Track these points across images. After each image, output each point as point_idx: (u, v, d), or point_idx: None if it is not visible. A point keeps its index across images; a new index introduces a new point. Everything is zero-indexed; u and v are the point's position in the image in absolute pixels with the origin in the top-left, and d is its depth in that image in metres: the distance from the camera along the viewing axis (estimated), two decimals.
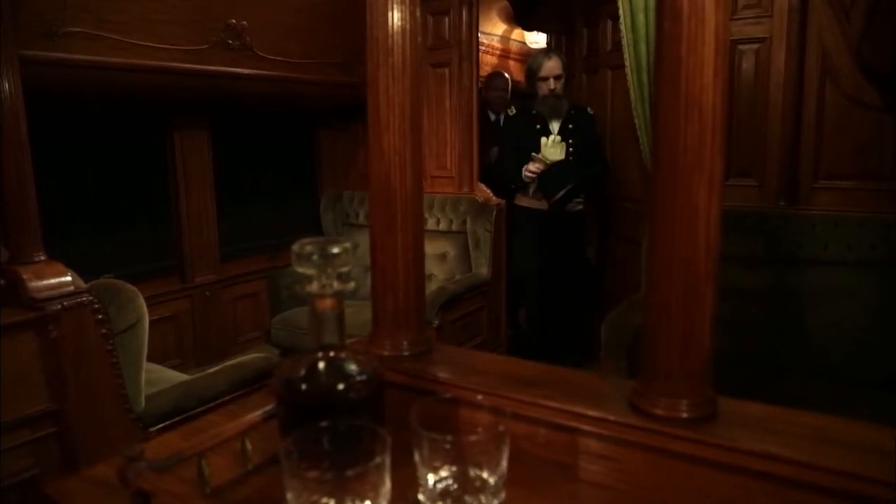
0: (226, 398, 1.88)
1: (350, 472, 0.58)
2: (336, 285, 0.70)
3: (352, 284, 0.71)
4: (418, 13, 0.82)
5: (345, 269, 0.70)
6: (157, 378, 2.03)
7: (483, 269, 3.11)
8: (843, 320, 2.22)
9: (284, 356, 2.62)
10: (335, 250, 0.68)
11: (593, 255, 3.46)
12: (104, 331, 1.63)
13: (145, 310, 1.75)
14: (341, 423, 0.65)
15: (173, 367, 2.48)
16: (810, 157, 2.36)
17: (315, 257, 0.68)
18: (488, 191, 3.22)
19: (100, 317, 1.62)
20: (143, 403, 1.75)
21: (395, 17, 0.80)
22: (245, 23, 2.58)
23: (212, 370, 1.95)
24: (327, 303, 0.71)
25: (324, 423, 0.64)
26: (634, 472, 0.72)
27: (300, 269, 0.70)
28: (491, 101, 3.94)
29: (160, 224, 2.92)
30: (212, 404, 1.84)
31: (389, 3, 0.79)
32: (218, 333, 3.06)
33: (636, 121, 2.74)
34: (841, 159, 2.32)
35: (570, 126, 3.03)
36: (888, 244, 2.18)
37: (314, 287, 0.70)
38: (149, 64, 2.31)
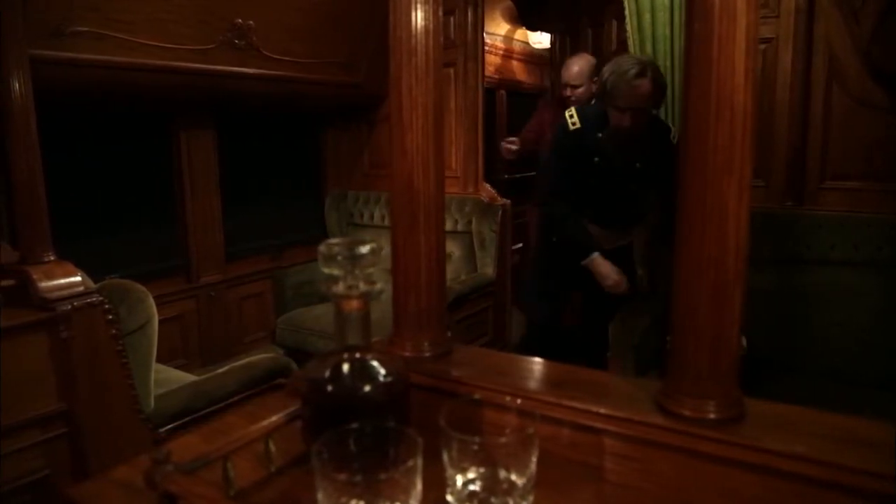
0: (235, 398, 1.88)
1: (383, 476, 0.57)
2: (362, 286, 0.70)
3: (378, 285, 0.71)
4: (441, 13, 0.82)
5: (371, 270, 0.70)
6: (164, 378, 2.02)
7: (488, 270, 3.11)
8: (849, 321, 2.22)
9: (290, 356, 2.62)
10: (363, 250, 0.68)
11: (645, 281, 2.66)
12: (114, 331, 1.63)
13: (155, 310, 1.75)
14: (371, 424, 0.64)
15: (178, 368, 2.48)
16: (817, 158, 2.36)
17: (342, 258, 0.68)
18: (493, 191, 3.22)
19: (110, 317, 1.62)
20: (152, 404, 1.75)
21: (419, 17, 0.79)
22: (251, 22, 2.57)
23: (221, 370, 1.95)
24: (353, 304, 0.71)
25: (354, 425, 0.64)
26: (661, 472, 0.71)
27: (326, 270, 0.70)
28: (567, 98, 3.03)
29: (165, 224, 2.91)
30: (221, 405, 1.84)
31: (413, 2, 0.79)
32: (223, 333, 3.06)
33: None
34: (848, 160, 2.32)
35: (638, 165, 2.25)
36: (894, 245, 2.18)
37: (340, 288, 0.70)
38: (155, 63, 2.31)
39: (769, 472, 0.67)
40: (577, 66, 3.00)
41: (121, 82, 2.29)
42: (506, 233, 3.16)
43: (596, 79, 2.80)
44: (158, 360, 2.06)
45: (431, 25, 0.81)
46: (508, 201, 3.19)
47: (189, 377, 2.09)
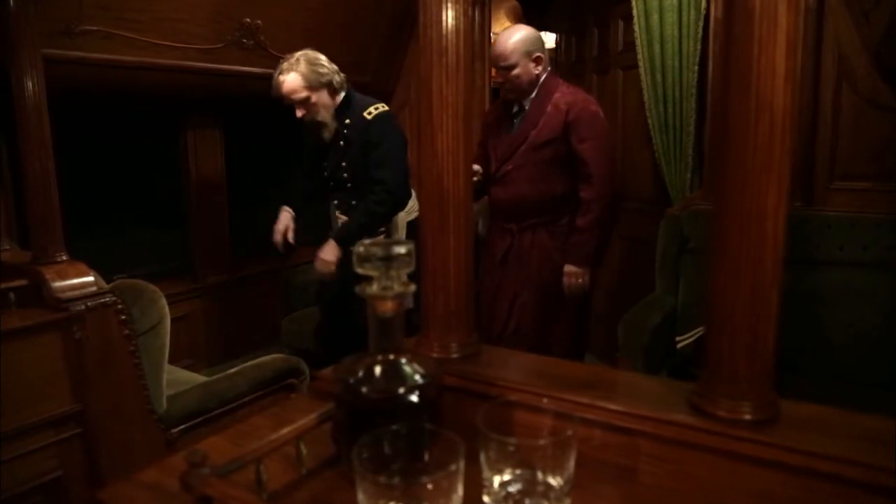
0: (246, 399, 1.87)
1: (425, 479, 0.57)
2: (397, 287, 0.70)
3: (413, 287, 0.71)
4: (471, 12, 0.82)
5: (407, 271, 0.70)
6: (173, 379, 2.01)
7: None
8: (858, 321, 2.23)
9: (295, 356, 2.62)
10: (400, 251, 0.68)
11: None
12: (127, 331, 1.62)
13: (167, 310, 1.75)
14: (409, 426, 0.64)
15: (185, 368, 2.47)
16: (826, 158, 2.37)
17: (378, 259, 0.68)
18: None
19: (123, 317, 1.61)
20: (164, 404, 1.74)
21: (449, 17, 0.79)
22: (259, 22, 2.57)
23: (232, 371, 1.94)
24: (388, 305, 0.70)
25: (393, 427, 0.64)
26: (695, 474, 0.71)
27: (361, 271, 0.69)
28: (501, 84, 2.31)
29: (171, 224, 2.90)
30: (232, 405, 1.84)
31: (444, 2, 0.79)
32: (229, 334, 3.05)
33: (649, 121, 2.74)
34: (857, 160, 2.32)
35: (342, 143, 2.45)
36: None
37: (375, 289, 0.70)
38: (164, 63, 2.31)
39: (805, 473, 0.66)
40: (509, 40, 2.10)
41: (129, 81, 2.29)
42: None
43: (538, 55, 2.13)
44: None
45: (462, 25, 0.80)
46: None
47: (198, 377, 2.09)
